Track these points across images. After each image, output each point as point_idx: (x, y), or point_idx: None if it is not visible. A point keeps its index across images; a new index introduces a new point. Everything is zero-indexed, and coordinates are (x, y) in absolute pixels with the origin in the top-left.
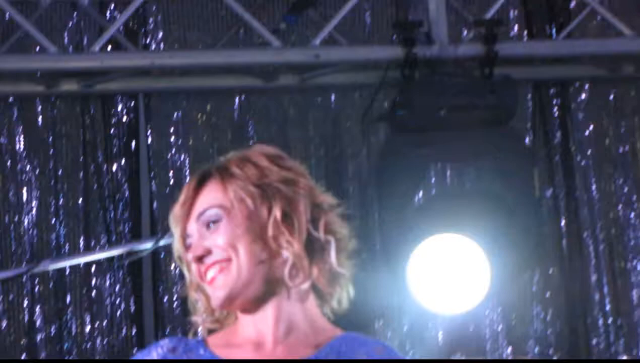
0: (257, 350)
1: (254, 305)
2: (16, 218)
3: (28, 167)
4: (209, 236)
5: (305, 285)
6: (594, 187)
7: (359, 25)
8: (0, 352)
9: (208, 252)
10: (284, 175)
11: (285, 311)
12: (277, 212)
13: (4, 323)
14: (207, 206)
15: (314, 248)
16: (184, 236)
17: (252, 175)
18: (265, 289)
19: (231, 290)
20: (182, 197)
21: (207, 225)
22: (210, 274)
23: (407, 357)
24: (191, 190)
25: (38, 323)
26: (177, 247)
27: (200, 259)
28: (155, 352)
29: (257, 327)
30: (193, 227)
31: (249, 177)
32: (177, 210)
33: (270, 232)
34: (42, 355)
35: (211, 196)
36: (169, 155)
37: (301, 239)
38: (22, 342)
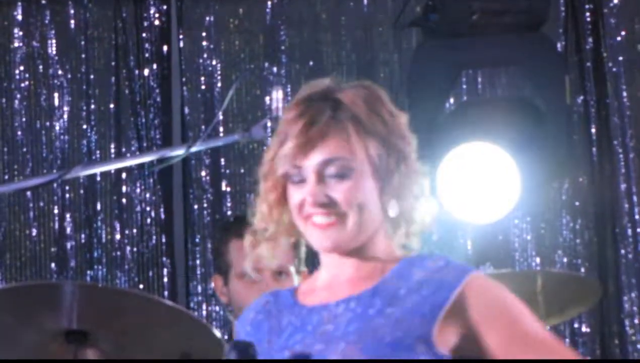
0: (328, 291)
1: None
2: (47, 124)
3: (60, 72)
4: (334, 186)
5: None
6: (625, 94)
7: None
8: (30, 259)
9: (331, 202)
10: (402, 131)
11: (357, 254)
12: (399, 173)
13: (35, 231)
14: (334, 156)
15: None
16: (294, 168)
17: (380, 130)
18: (367, 240)
19: (341, 243)
20: (303, 127)
21: (334, 175)
22: (323, 220)
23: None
24: (318, 125)
25: (68, 230)
26: (269, 166)
27: (320, 205)
28: (252, 310)
29: (332, 270)
30: (314, 166)
31: (377, 131)
32: (297, 139)
33: (389, 192)
34: (72, 264)
35: (340, 146)
36: (201, 60)
37: (412, 194)
38: (52, 250)
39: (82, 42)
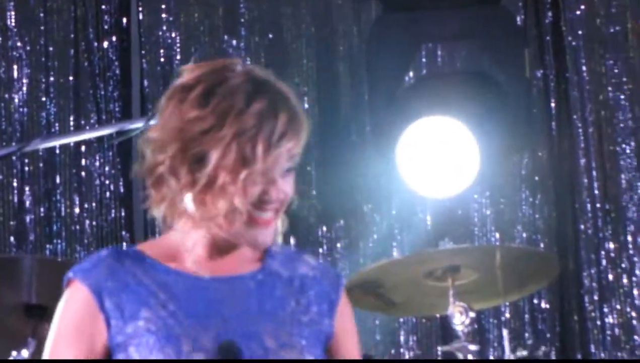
0: (206, 262)
1: None
2: (6, 96)
3: (19, 44)
4: (285, 182)
5: None
6: (584, 68)
7: None
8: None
9: (285, 198)
10: None
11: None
12: None
13: None
14: (299, 150)
15: None
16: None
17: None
18: None
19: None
20: (297, 112)
21: (287, 170)
22: (270, 216)
23: (395, 242)
24: (298, 121)
25: (27, 204)
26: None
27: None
28: (102, 264)
29: (202, 242)
30: (284, 159)
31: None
32: (293, 125)
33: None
34: (31, 237)
35: (301, 141)
36: (160, 32)
37: None
38: (11, 224)
39: (41, 14)
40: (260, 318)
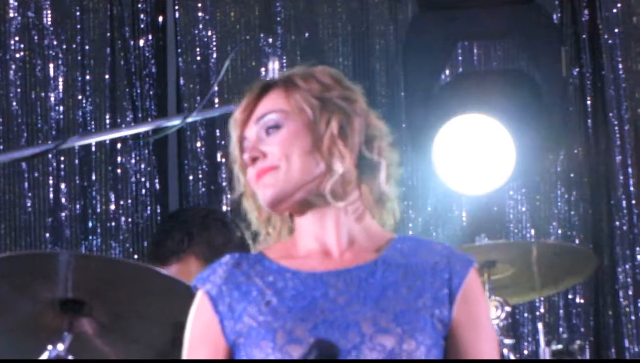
0: (325, 258)
1: (305, 209)
2: (42, 95)
3: (55, 42)
4: (267, 140)
5: (359, 203)
6: (620, 66)
7: None
8: (25, 230)
9: (263, 156)
10: (345, 93)
11: (344, 224)
12: (334, 126)
13: (29, 202)
14: (267, 111)
15: (364, 168)
16: (242, 139)
17: (314, 89)
18: (315, 199)
19: (279, 190)
20: (243, 103)
21: (267, 130)
22: (257, 168)
23: (431, 238)
24: (253, 96)
25: (63, 201)
26: (233, 150)
27: (254, 161)
28: (220, 270)
29: (319, 238)
30: (252, 130)
31: (311, 89)
32: (237, 114)
33: (325, 144)
34: (67, 234)
35: (273, 102)
36: (196, 30)
37: (353, 155)
38: (47, 220)
39: (77, 13)
40: (362, 306)
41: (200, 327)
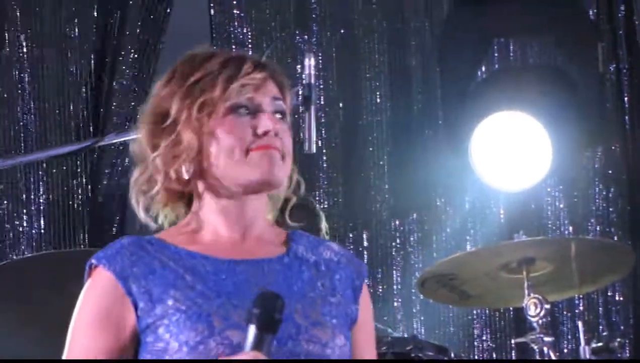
0: (233, 247)
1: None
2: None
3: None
4: (281, 125)
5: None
6: None
7: None
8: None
9: (281, 140)
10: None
11: (260, 215)
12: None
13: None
14: (279, 96)
15: None
16: (250, 99)
17: (288, 101)
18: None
19: (280, 179)
20: (248, 61)
21: (280, 114)
22: (277, 151)
23: (468, 236)
24: (263, 71)
25: (99, 199)
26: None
27: (275, 133)
28: (125, 251)
29: (232, 225)
30: (270, 104)
31: (287, 102)
32: (246, 67)
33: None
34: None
35: (278, 92)
36: (232, 28)
37: None
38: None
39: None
40: (289, 299)
41: (104, 307)
